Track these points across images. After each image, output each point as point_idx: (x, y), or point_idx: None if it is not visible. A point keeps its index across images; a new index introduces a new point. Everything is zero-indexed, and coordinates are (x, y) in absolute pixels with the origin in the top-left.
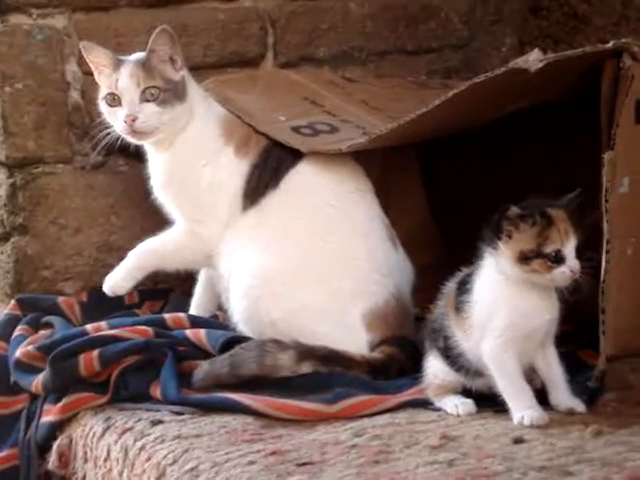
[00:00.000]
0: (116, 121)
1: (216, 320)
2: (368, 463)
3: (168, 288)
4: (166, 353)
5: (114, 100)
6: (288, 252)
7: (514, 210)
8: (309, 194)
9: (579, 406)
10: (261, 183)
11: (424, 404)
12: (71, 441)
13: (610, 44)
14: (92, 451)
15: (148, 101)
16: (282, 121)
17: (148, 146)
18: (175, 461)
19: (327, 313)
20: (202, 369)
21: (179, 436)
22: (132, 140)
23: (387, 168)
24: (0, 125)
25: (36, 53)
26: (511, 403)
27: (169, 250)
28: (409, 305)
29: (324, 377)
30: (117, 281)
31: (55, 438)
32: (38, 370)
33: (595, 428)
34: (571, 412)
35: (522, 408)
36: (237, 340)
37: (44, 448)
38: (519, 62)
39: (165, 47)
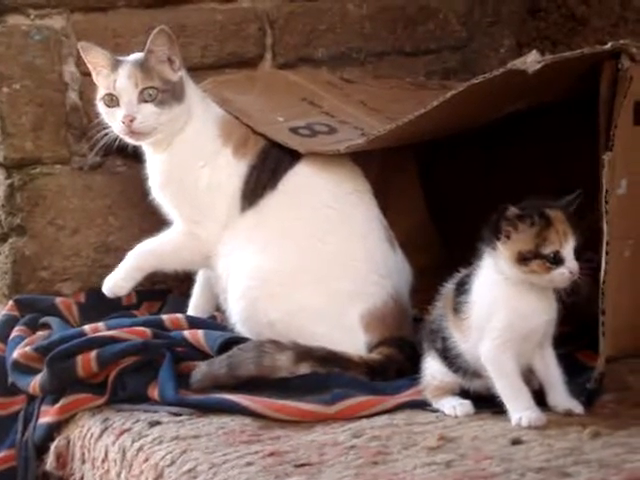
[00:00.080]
0: (114, 122)
1: (214, 321)
2: (366, 464)
3: (166, 289)
4: (164, 354)
5: (112, 101)
6: (286, 253)
7: (513, 210)
8: (307, 195)
9: (577, 407)
10: (259, 184)
11: (422, 405)
12: (69, 442)
13: (608, 45)
14: (90, 452)
15: (146, 102)
16: (280, 122)
17: (146, 147)
18: (173, 462)
19: (325, 314)
20: (200, 370)
21: (177, 437)
22: (130, 141)
23: (385, 169)
24: None
25: (34, 54)
26: (509, 404)
27: (167, 251)
28: (407, 306)
29: (322, 378)
30: (117, 282)
31: (53, 439)
32: (36, 371)
33: (593, 429)
34: (569, 413)
35: (520, 409)
36: (235, 341)
37: (42, 449)
38: (517, 63)
39: (163, 48)
